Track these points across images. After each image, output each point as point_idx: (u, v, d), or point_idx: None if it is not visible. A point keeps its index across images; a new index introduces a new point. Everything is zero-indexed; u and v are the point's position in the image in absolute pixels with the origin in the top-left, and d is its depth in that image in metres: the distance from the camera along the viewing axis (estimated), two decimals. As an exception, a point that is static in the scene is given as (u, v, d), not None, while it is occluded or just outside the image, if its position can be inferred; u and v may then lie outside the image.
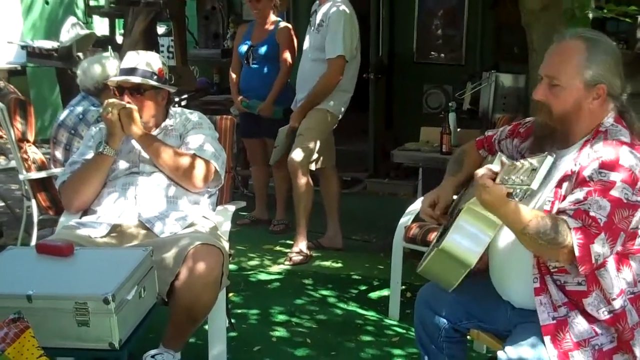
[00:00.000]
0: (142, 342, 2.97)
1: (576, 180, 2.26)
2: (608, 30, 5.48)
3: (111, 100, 3.42)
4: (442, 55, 7.63)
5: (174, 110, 3.68)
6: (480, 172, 2.17)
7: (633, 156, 2.23)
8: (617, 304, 2.30)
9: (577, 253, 2.15)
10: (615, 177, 2.19)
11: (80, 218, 3.42)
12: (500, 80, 5.65)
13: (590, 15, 3.89)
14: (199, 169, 3.42)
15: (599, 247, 2.16)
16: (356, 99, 5.51)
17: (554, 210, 2.27)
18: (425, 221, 4.04)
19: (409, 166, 6.17)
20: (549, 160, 2.03)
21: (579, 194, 2.22)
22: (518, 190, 2.04)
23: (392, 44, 7.77)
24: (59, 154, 4.44)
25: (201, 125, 3.61)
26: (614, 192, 2.18)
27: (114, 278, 2.53)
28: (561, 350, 2.29)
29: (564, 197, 2.28)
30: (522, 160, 2.12)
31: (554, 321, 2.33)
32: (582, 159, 2.29)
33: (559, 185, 2.33)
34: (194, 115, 3.66)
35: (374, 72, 7.31)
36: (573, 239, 2.15)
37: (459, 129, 5.13)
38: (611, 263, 2.29)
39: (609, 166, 2.21)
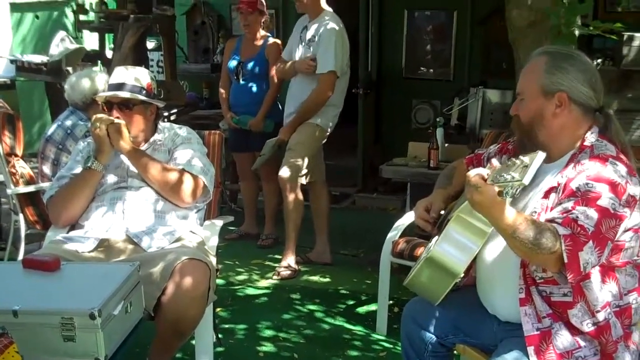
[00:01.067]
0: (128, 357, 2.96)
1: (563, 191, 2.29)
2: (595, 47, 5.53)
3: (99, 115, 3.42)
4: (431, 70, 7.67)
5: (163, 125, 3.68)
6: (472, 172, 2.19)
7: (619, 169, 2.26)
8: (601, 316, 2.32)
9: (565, 260, 2.17)
10: (602, 188, 2.22)
11: (67, 232, 3.41)
12: (487, 96, 5.69)
13: (577, 32, 3.93)
14: (188, 184, 3.42)
15: (587, 255, 2.18)
16: (345, 113, 5.54)
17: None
18: (413, 236, 4.10)
19: (397, 181, 6.19)
20: (540, 155, 2.06)
21: (567, 204, 2.24)
22: (509, 188, 2.05)
23: (380, 59, 7.80)
24: (46, 168, 4.44)
25: (190, 140, 3.62)
26: (601, 202, 2.20)
27: (101, 293, 2.52)
28: None
29: (551, 209, 2.31)
30: (513, 159, 2.14)
31: (538, 332, 2.35)
32: (569, 171, 2.33)
33: (545, 196, 2.36)
34: (183, 130, 3.67)
35: (362, 87, 7.34)
36: (562, 246, 2.16)
37: (446, 144, 5.16)
38: (596, 275, 2.31)
39: (595, 178, 2.24)
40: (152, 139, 3.55)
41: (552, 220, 2.24)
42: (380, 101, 7.85)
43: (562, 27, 3.89)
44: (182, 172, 3.43)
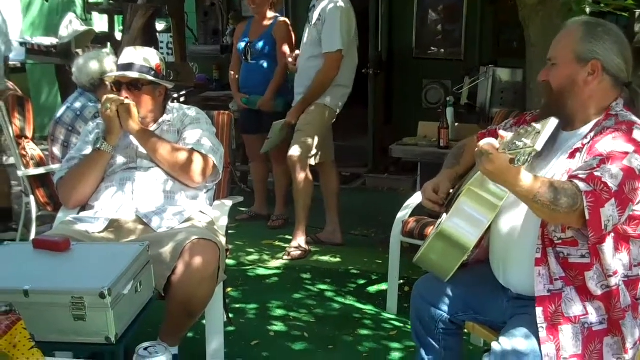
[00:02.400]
0: (139, 337, 2.96)
1: (589, 152, 2.29)
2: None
3: (109, 96, 3.42)
4: (442, 50, 7.64)
5: (172, 105, 3.68)
6: (483, 142, 2.16)
7: None
8: (612, 281, 2.32)
9: (587, 217, 2.15)
10: (628, 148, 2.22)
11: (77, 213, 3.42)
12: (497, 75, 5.66)
13: (588, 10, 3.90)
14: (197, 163, 3.42)
15: (609, 212, 2.16)
16: (355, 94, 5.52)
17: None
18: (423, 216, 4.10)
19: (408, 161, 6.19)
20: (553, 122, 2.04)
21: (592, 161, 2.24)
22: (521, 155, 2.02)
23: (391, 40, 7.77)
24: (56, 150, 4.45)
25: (199, 120, 3.61)
26: (627, 162, 2.20)
27: (110, 273, 2.53)
28: (551, 322, 2.31)
29: (576, 169, 2.30)
30: (524, 127, 2.12)
31: (549, 294, 2.35)
32: (594, 134, 2.33)
33: (570, 157, 2.36)
34: (192, 111, 3.67)
35: (373, 67, 7.31)
36: (584, 202, 2.15)
37: (456, 124, 5.14)
38: (609, 242, 2.30)
39: (622, 139, 2.24)
40: (160, 120, 3.55)
41: (575, 177, 2.22)
42: (391, 81, 7.83)
43: (573, 4, 3.87)
44: (191, 151, 3.43)
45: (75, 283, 2.53)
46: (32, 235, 4.50)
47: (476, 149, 2.17)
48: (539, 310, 2.34)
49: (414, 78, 7.51)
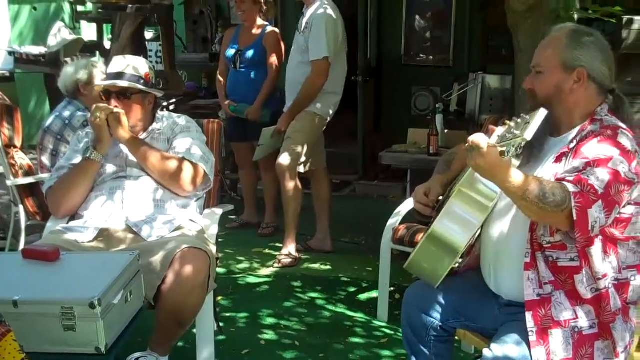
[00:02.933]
0: (129, 346, 2.96)
1: (574, 155, 2.31)
2: (594, 31, 5.50)
3: (99, 105, 3.41)
4: (431, 57, 7.68)
5: (161, 114, 3.67)
6: (474, 136, 2.16)
7: (629, 140, 2.29)
8: (602, 284, 2.33)
9: (575, 217, 2.17)
10: (613, 152, 2.24)
11: (67, 223, 3.41)
12: (486, 82, 5.67)
13: (576, 16, 3.92)
14: (187, 172, 3.42)
15: (596, 213, 2.19)
16: (345, 101, 5.52)
17: None
18: (413, 223, 4.10)
19: (398, 168, 6.17)
20: (542, 112, 2.06)
21: (578, 163, 2.27)
22: (511, 147, 2.03)
23: (380, 47, 7.79)
24: (45, 159, 4.44)
25: (189, 129, 3.61)
26: (612, 165, 2.22)
27: (100, 282, 2.52)
28: (541, 326, 2.32)
29: (562, 172, 2.32)
30: (514, 119, 2.14)
31: (538, 298, 2.36)
32: (579, 138, 2.35)
33: (556, 161, 2.37)
34: (182, 119, 3.66)
35: (362, 74, 7.32)
36: (572, 202, 2.17)
37: (446, 131, 5.15)
38: (598, 245, 2.32)
39: (607, 143, 2.27)
40: (150, 128, 3.55)
41: (562, 179, 2.24)
42: (380, 88, 7.85)
43: (561, 11, 3.89)
44: (181, 160, 3.43)
45: (65, 293, 2.52)
46: (22, 245, 4.48)
47: (466, 144, 2.18)
48: (528, 315, 2.35)
49: (403, 85, 7.53)
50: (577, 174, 2.23)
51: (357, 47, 7.26)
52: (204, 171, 3.49)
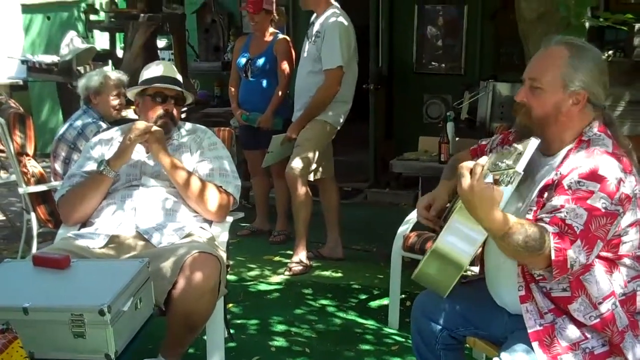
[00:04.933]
0: (139, 353, 2.97)
1: (556, 189, 2.26)
2: (607, 39, 5.49)
3: (138, 124, 3.41)
4: (442, 65, 7.68)
5: (180, 123, 3.70)
6: (466, 162, 2.15)
7: (613, 166, 2.23)
8: (604, 308, 2.29)
9: (553, 257, 2.15)
10: (594, 187, 2.19)
11: (78, 230, 3.42)
12: (497, 90, 5.67)
13: (587, 24, 3.90)
14: (224, 204, 3.50)
15: (575, 254, 2.16)
16: (356, 109, 5.53)
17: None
18: (424, 230, 4.09)
19: (409, 176, 6.17)
20: (534, 142, 2.05)
21: (556, 201, 2.22)
22: (505, 176, 2.03)
23: (391, 55, 7.81)
24: (58, 167, 4.48)
25: (216, 145, 3.65)
26: (591, 202, 2.18)
27: (110, 289, 2.53)
28: (550, 354, 2.29)
29: (544, 206, 2.29)
30: (507, 147, 2.13)
31: (541, 327, 2.33)
32: (564, 168, 2.29)
33: (540, 194, 2.33)
34: (207, 134, 3.70)
35: (373, 82, 7.34)
36: (551, 243, 2.15)
37: (457, 138, 5.14)
38: (596, 267, 2.29)
39: (588, 176, 2.21)
40: (174, 141, 3.59)
41: (540, 219, 2.22)
42: (392, 96, 7.85)
43: (572, 19, 3.87)
44: (219, 190, 3.48)
45: (75, 300, 2.53)
46: (34, 251, 4.49)
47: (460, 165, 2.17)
48: (535, 345, 2.31)
49: (415, 93, 7.54)
50: (553, 214, 2.19)
51: (368, 55, 7.27)
52: (234, 199, 3.55)
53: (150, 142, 3.38)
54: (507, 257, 2.28)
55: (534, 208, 2.32)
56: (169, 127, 3.55)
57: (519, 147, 2.07)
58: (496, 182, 2.07)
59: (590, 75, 2.33)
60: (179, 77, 3.66)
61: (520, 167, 1.99)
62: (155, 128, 3.40)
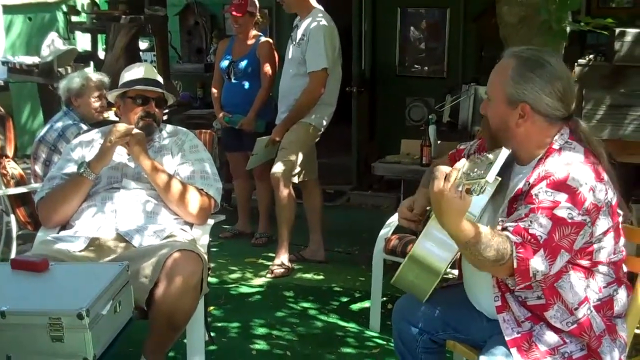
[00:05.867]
0: (120, 357, 2.96)
1: (525, 197, 2.27)
2: (588, 43, 5.52)
3: (119, 127, 3.39)
4: (425, 68, 7.70)
5: (162, 125, 3.69)
6: (442, 166, 2.16)
7: (583, 175, 2.22)
8: (580, 313, 2.30)
9: (515, 266, 2.16)
10: (561, 197, 2.19)
11: (57, 232, 3.40)
12: (479, 93, 5.66)
13: (568, 29, 3.92)
14: (204, 207, 3.49)
15: (537, 264, 2.16)
16: (339, 112, 5.53)
17: None
18: (405, 233, 4.10)
19: (392, 178, 6.18)
20: (504, 152, 2.05)
21: (523, 210, 2.23)
22: (476, 185, 2.04)
23: (374, 57, 7.81)
24: (38, 169, 4.45)
25: (197, 148, 3.64)
26: (558, 212, 2.18)
27: (89, 293, 2.50)
28: (529, 359, 2.30)
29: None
30: (479, 157, 2.14)
31: (519, 335, 2.34)
32: (534, 177, 2.29)
33: (511, 203, 2.34)
34: (188, 136, 3.69)
35: (356, 85, 7.36)
36: (513, 253, 2.15)
37: (439, 141, 5.16)
38: (573, 274, 2.30)
39: (556, 185, 2.20)
40: (155, 143, 3.58)
41: (505, 228, 2.23)
42: (374, 99, 7.86)
43: (553, 23, 3.88)
44: (200, 192, 3.47)
45: (53, 304, 2.51)
46: (13, 255, 4.46)
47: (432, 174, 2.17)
48: (513, 350, 2.32)
49: (397, 96, 7.52)
50: (517, 222, 2.20)
51: (351, 57, 7.27)
52: (215, 202, 3.54)
53: (131, 144, 3.37)
54: (472, 264, 2.28)
55: (504, 217, 2.33)
56: (152, 128, 3.55)
57: (490, 156, 2.07)
58: (468, 191, 2.08)
59: (532, 88, 2.29)
60: (160, 79, 3.66)
61: (490, 176, 1.99)
62: (136, 131, 3.39)
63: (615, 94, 4.88)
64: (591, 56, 5.05)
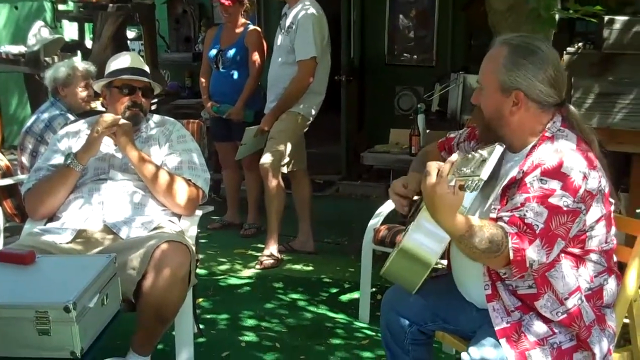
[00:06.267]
0: (107, 350, 2.94)
1: (518, 187, 2.25)
2: (577, 31, 5.51)
3: (105, 117, 3.36)
4: (414, 56, 7.68)
5: (149, 115, 3.66)
6: (433, 162, 2.15)
7: (577, 163, 2.21)
8: (570, 303, 2.30)
9: (511, 256, 2.15)
10: (555, 185, 2.18)
11: (44, 224, 3.37)
12: (468, 82, 5.66)
13: (557, 16, 3.90)
14: (192, 197, 3.46)
15: (533, 253, 2.16)
16: (328, 101, 5.51)
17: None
18: (394, 223, 4.09)
19: (381, 168, 6.17)
20: (498, 149, 2.04)
21: (517, 199, 2.22)
22: (470, 182, 2.02)
23: (363, 46, 7.79)
24: (25, 160, 4.41)
25: (185, 138, 3.62)
26: (553, 200, 2.17)
27: (76, 286, 2.49)
28: (518, 350, 2.29)
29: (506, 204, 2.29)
30: (473, 152, 2.12)
31: (509, 325, 2.33)
32: (527, 165, 2.28)
33: (504, 192, 2.33)
34: (176, 126, 3.67)
35: (345, 74, 7.34)
36: (509, 243, 2.14)
37: (428, 131, 5.14)
38: (562, 263, 2.29)
39: (550, 173, 2.20)
40: (142, 134, 3.55)
41: (500, 218, 2.22)
42: (364, 88, 7.84)
43: (542, 11, 3.87)
44: (188, 183, 3.44)
45: (40, 297, 2.49)
46: (0, 247, 4.42)
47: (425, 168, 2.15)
48: (502, 341, 2.31)
49: (387, 85, 7.53)
50: (512, 212, 2.19)
51: (340, 46, 7.25)
52: (204, 193, 3.52)
53: (118, 134, 3.35)
54: (466, 256, 2.26)
55: (498, 206, 2.31)
56: (139, 118, 3.52)
57: (484, 153, 2.05)
58: (461, 187, 2.06)
59: (524, 75, 2.29)
60: (147, 68, 3.63)
61: (485, 174, 1.97)
62: (123, 121, 3.36)
63: (604, 82, 4.86)
64: (580, 44, 5.02)
